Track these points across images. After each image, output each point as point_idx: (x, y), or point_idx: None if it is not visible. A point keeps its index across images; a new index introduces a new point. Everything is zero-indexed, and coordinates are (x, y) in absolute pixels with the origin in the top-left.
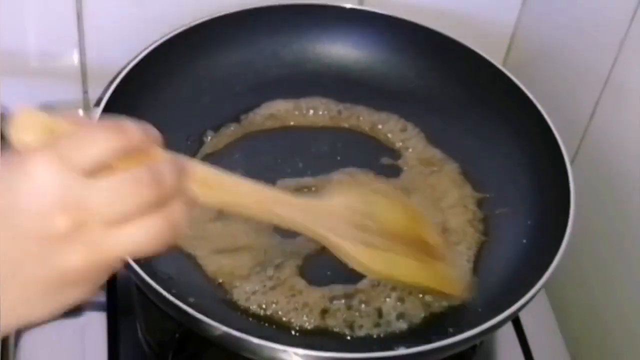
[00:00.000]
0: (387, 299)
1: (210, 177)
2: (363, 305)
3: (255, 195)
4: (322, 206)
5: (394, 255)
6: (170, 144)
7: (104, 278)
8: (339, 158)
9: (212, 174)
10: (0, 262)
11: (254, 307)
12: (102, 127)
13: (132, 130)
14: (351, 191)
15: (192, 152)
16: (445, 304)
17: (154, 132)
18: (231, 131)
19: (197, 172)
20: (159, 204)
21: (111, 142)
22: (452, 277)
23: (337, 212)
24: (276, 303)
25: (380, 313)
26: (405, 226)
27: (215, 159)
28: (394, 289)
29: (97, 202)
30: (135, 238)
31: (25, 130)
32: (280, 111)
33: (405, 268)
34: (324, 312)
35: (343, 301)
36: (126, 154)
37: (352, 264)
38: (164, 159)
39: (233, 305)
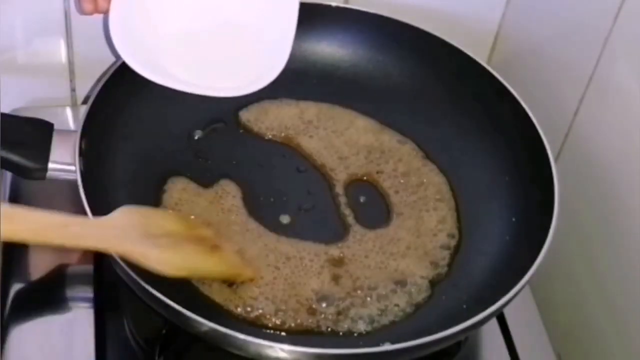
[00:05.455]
0: (372, 297)
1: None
2: (347, 303)
3: (41, 221)
4: (108, 222)
5: (184, 250)
6: (159, 142)
7: None
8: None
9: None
10: None
11: (239, 309)
12: None
13: None
14: (126, 210)
15: (181, 150)
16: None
17: None
18: (220, 130)
19: None
20: None
21: None
22: (234, 260)
23: (122, 226)
24: (262, 308)
25: (364, 309)
26: (181, 227)
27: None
28: (375, 287)
29: None
30: None
31: None
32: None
33: (196, 259)
34: (310, 311)
35: (327, 301)
36: None
37: (152, 266)
38: None
39: (216, 306)
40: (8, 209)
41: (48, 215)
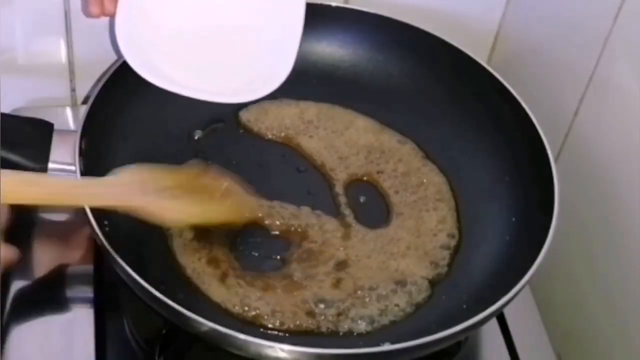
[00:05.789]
0: (372, 297)
1: (18, 180)
2: (348, 304)
3: (58, 184)
4: (119, 180)
5: (190, 198)
6: (159, 142)
7: None
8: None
9: (18, 176)
10: None
11: (237, 308)
12: None
13: None
14: (133, 169)
15: (181, 150)
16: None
17: None
18: (220, 130)
19: (9, 179)
20: None
21: None
22: (239, 204)
23: (132, 182)
24: (258, 308)
25: (364, 309)
26: (186, 180)
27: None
28: (375, 287)
29: None
30: None
31: None
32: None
33: (202, 206)
34: (309, 313)
35: (326, 301)
36: None
37: (164, 216)
38: None
39: (216, 307)
40: (28, 174)
41: (64, 180)
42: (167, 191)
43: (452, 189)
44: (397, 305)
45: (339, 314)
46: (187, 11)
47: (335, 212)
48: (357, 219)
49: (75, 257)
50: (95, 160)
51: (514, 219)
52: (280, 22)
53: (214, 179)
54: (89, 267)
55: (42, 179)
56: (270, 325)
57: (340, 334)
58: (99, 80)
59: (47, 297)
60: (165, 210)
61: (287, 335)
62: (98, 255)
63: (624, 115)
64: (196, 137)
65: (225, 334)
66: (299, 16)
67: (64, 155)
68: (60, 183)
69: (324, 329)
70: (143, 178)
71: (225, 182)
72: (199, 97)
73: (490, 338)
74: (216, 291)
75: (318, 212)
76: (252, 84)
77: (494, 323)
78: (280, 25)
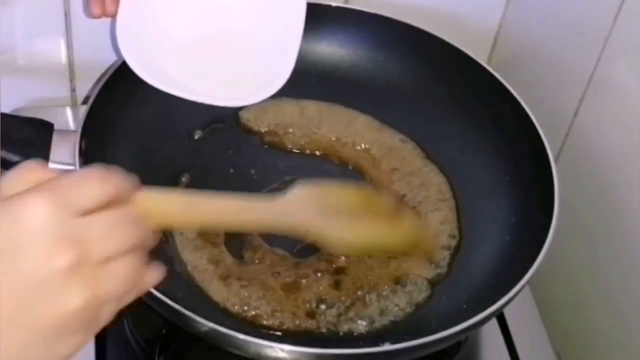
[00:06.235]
0: (372, 297)
1: (184, 203)
2: (348, 304)
3: (229, 208)
4: (287, 203)
5: (364, 227)
6: (159, 142)
7: (99, 324)
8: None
9: (187, 200)
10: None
11: (236, 309)
12: (90, 174)
13: (117, 179)
14: (303, 187)
15: (181, 150)
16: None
17: (133, 180)
18: (220, 130)
19: (174, 200)
20: (139, 243)
21: (101, 188)
22: (412, 230)
23: (302, 206)
24: (258, 308)
25: (364, 309)
26: (361, 202)
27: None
28: (375, 287)
29: (94, 237)
30: (125, 274)
31: (20, 183)
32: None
33: (377, 235)
34: (309, 313)
35: (327, 302)
36: (111, 199)
37: (334, 246)
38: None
39: (216, 306)
40: (188, 197)
41: (224, 202)
42: (338, 218)
43: (452, 189)
44: (397, 305)
45: (339, 315)
46: (188, 14)
47: None
48: None
49: None
50: (95, 160)
51: (514, 219)
52: (281, 25)
53: (385, 200)
54: None
55: (208, 201)
56: (270, 325)
57: (340, 334)
58: (99, 80)
59: None
60: (333, 242)
61: (287, 335)
62: None
63: (624, 115)
64: (196, 137)
65: (225, 334)
66: (299, 19)
67: (64, 155)
68: (228, 206)
69: (324, 329)
70: (313, 201)
71: (395, 203)
72: (199, 100)
73: (490, 338)
74: (216, 290)
75: None
76: (253, 87)
77: (494, 323)
78: (281, 28)
